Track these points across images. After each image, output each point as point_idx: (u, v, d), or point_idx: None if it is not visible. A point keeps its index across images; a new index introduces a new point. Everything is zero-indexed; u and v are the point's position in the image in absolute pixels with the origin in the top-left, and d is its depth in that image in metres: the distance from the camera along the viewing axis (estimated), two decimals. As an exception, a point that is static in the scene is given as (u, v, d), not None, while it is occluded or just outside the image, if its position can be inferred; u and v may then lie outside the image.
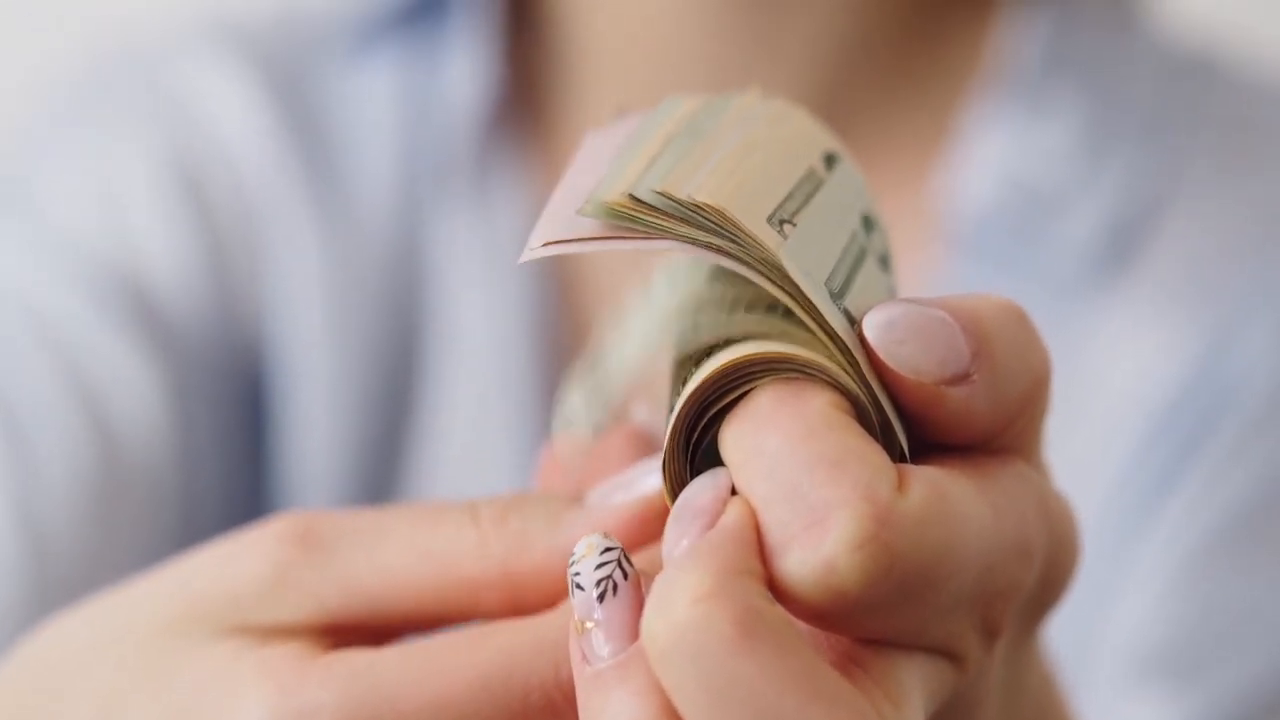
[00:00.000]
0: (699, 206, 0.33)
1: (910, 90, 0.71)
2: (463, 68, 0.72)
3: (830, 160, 0.38)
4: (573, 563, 0.33)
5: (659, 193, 0.33)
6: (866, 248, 0.37)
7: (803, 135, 0.39)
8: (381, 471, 0.70)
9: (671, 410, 0.34)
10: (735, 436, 0.33)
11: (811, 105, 0.70)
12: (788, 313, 0.33)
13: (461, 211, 0.71)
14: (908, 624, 0.32)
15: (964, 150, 0.70)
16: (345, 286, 0.70)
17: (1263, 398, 0.65)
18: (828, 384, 0.33)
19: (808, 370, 0.33)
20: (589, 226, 0.33)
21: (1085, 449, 0.66)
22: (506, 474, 0.69)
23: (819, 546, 0.31)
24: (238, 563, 0.38)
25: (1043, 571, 0.35)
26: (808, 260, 0.33)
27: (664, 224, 0.33)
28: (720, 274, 0.36)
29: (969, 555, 0.32)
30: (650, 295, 0.38)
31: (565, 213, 0.34)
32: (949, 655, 0.33)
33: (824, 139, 0.39)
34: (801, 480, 0.31)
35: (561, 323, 0.71)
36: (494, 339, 0.70)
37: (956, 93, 0.72)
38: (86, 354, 0.68)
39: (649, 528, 0.36)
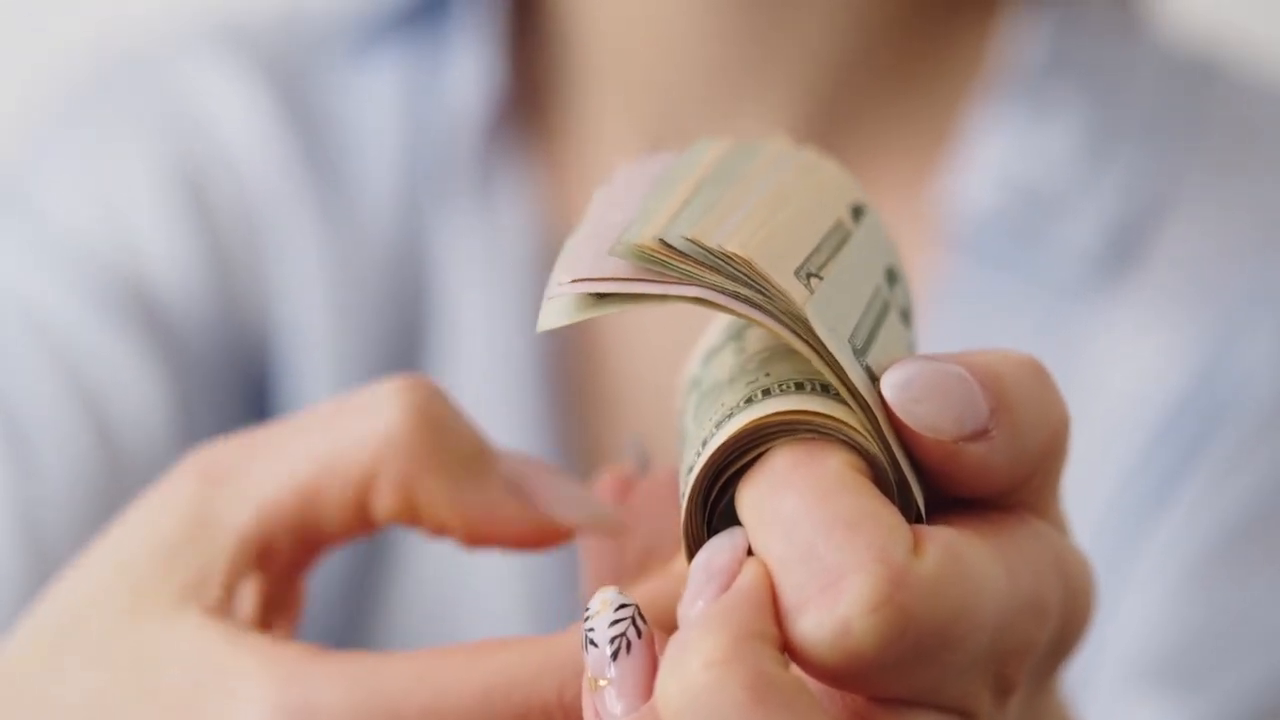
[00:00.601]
0: (729, 256, 0.33)
1: (912, 92, 0.71)
2: (465, 69, 0.72)
3: (858, 212, 0.38)
4: (586, 618, 0.33)
5: (690, 239, 0.33)
6: (890, 302, 0.37)
7: (832, 185, 0.39)
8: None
9: (690, 470, 0.34)
10: (752, 498, 0.33)
11: (814, 107, 0.71)
12: (808, 371, 0.34)
13: (464, 213, 0.71)
14: (922, 684, 0.32)
15: (966, 152, 0.70)
16: (347, 287, 0.70)
17: (1265, 403, 0.65)
18: (844, 443, 0.33)
19: (824, 431, 0.33)
20: (616, 267, 0.33)
21: (1086, 451, 0.65)
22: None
23: (834, 609, 0.31)
24: (156, 522, 0.38)
25: (1058, 628, 0.35)
26: (832, 315, 0.33)
27: (692, 270, 0.33)
28: (747, 324, 0.37)
29: (984, 617, 0.32)
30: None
31: (591, 250, 0.34)
32: (961, 714, 0.34)
33: (852, 189, 0.39)
34: (817, 542, 0.31)
35: None
36: (496, 340, 0.70)
37: (958, 95, 0.72)
38: (88, 356, 0.68)
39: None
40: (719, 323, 0.38)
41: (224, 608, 0.38)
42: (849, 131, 0.71)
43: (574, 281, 0.33)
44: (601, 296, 0.33)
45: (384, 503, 0.38)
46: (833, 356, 0.33)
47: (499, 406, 0.69)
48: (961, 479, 0.34)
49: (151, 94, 0.74)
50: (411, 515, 0.38)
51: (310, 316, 0.70)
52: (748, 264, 0.33)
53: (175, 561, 0.38)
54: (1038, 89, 0.70)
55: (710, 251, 0.33)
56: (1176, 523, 0.64)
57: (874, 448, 0.33)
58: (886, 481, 0.33)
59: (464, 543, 0.39)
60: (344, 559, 0.69)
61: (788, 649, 0.32)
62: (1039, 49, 0.70)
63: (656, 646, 0.33)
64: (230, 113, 0.72)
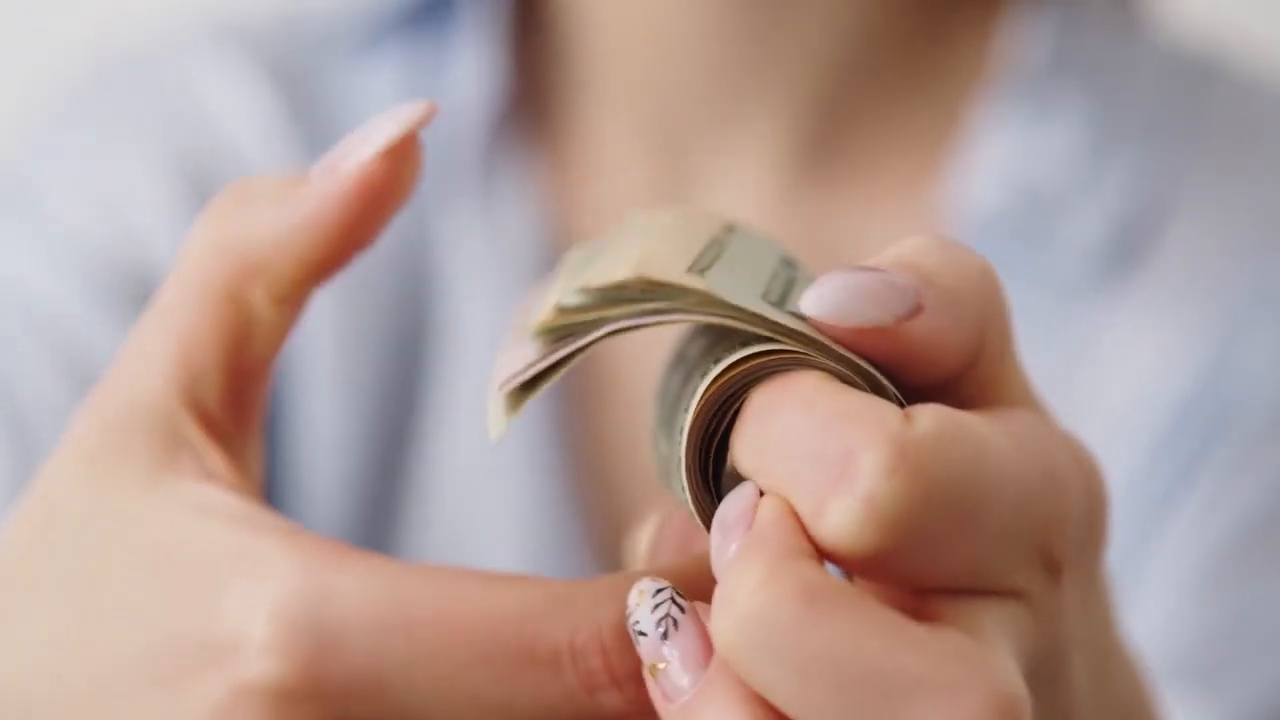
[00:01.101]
0: (620, 284, 0.34)
1: (913, 92, 0.72)
2: (468, 68, 0.72)
3: (729, 229, 0.39)
4: (630, 614, 0.34)
5: (580, 289, 0.34)
6: (795, 278, 0.38)
7: (699, 216, 0.40)
8: (387, 472, 0.70)
9: (679, 462, 0.35)
10: (743, 443, 0.33)
11: (815, 107, 0.71)
12: (744, 343, 0.34)
13: (467, 212, 0.71)
14: (961, 561, 0.32)
15: (968, 153, 0.70)
16: (350, 287, 0.70)
17: (1270, 403, 0.65)
18: (809, 366, 0.34)
19: (784, 366, 0.34)
20: (530, 354, 0.35)
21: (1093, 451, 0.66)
22: (513, 476, 0.69)
23: (853, 489, 0.31)
24: (87, 404, 0.39)
25: (1085, 504, 0.35)
26: (735, 288, 0.34)
27: (597, 316, 0.34)
28: (692, 335, 0.38)
29: (1000, 478, 0.32)
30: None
31: (514, 353, 0.36)
32: (1015, 594, 0.34)
33: (719, 218, 0.40)
34: (815, 444, 0.32)
35: None
36: (499, 339, 0.70)
37: (960, 94, 0.72)
38: (91, 350, 0.68)
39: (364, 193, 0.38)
40: (662, 370, 0.39)
41: (202, 472, 0.38)
42: (850, 131, 0.71)
43: (500, 387, 0.35)
44: (531, 382, 0.35)
45: (256, 296, 0.39)
46: (752, 312, 0.34)
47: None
48: (922, 361, 0.34)
49: (153, 92, 0.74)
50: (276, 287, 0.39)
51: (312, 316, 0.70)
52: (641, 279, 0.33)
53: (123, 442, 0.38)
54: (1040, 89, 0.70)
55: (603, 289, 0.34)
56: (1186, 524, 0.64)
57: (832, 364, 0.34)
58: (863, 381, 0.34)
59: (324, 266, 0.39)
60: (356, 485, 0.70)
61: (825, 557, 0.32)
62: (1041, 49, 0.71)
63: (702, 618, 0.33)
64: (232, 111, 0.73)
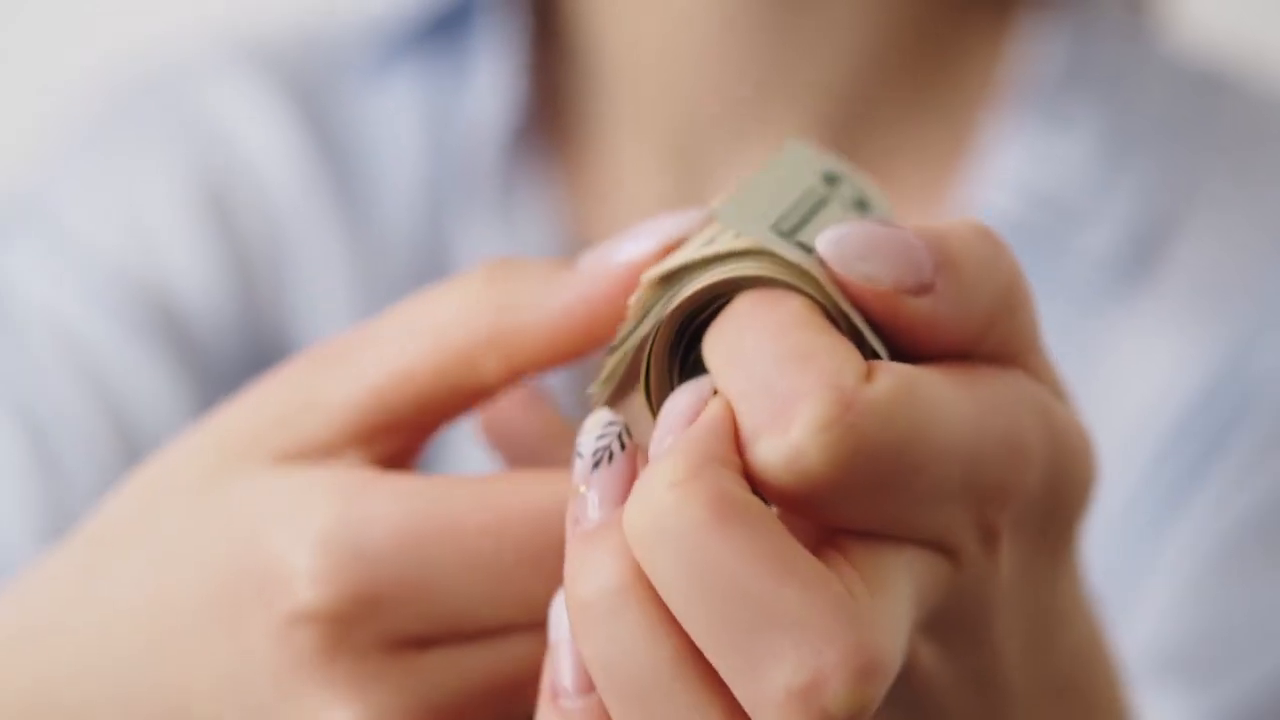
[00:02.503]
0: (660, 278, 0.35)
1: (928, 102, 0.72)
2: (486, 82, 0.73)
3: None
4: (579, 434, 0.35)
5: (612, 347, 0.36)
6: (828, 196, 0.38)
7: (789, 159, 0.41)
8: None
9: (647, 338, 0.36)
10: (714, 339, 0.34)
11: (831, 118, 0.71)
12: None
13: (486, 225, 0.72)
14: (888, 513, 0.33)
15: (983, 162, 0.70)
16: (369, 301, 0.71)
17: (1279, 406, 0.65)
18: (801, 293, 0.34)
19: (781, 286, 0.35)
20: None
21: (1107, 457, 0.66)
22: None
23: (785, 433, 0.32)
24: (267, 396, 0.40)
25: (1047, 478, 0.36)
26: (743, 218, 0.35)
27: (639, 336, 0.36)
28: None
29: (945, 443, 0.33)
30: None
31: None
32: (941, 550, 0.34)
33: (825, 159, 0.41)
34: (771, 373, 0.33)
35: None
36: None
37: (974, 104, 0.72)
38: (113, 369, 0.69)
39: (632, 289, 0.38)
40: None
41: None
42: (864, 143, 0.71)
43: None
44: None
45: (490, 364, 0.39)
46: (756, 243, 0.35)
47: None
48: (910, 333, 0.35)
49: (173, 111, 0.74)
50: (514, 360, 0.39)
51: (332, 330, 0.71)
52: (652, 281, 0.35)
53: (275, 432, 0.39)
54: (1053, 99, 0.70)
55: (649, 282, 0.36)
56: (1195, 522, 0.64)
57: (822, 298, 0.34)
58: (841, 329, 0.35)
59: (570, 353, 0.39)
60: None
61: (748, 479, 0.32)
62: (1054, 59, 0.71)
63: (638, 462, 0.34)
64: (252, 128, 0.73)
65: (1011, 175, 0.69)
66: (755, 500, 0.32)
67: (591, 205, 0.73)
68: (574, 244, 0.72)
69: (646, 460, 0.34)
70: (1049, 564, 0.38)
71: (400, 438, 0.39)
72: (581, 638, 0.33)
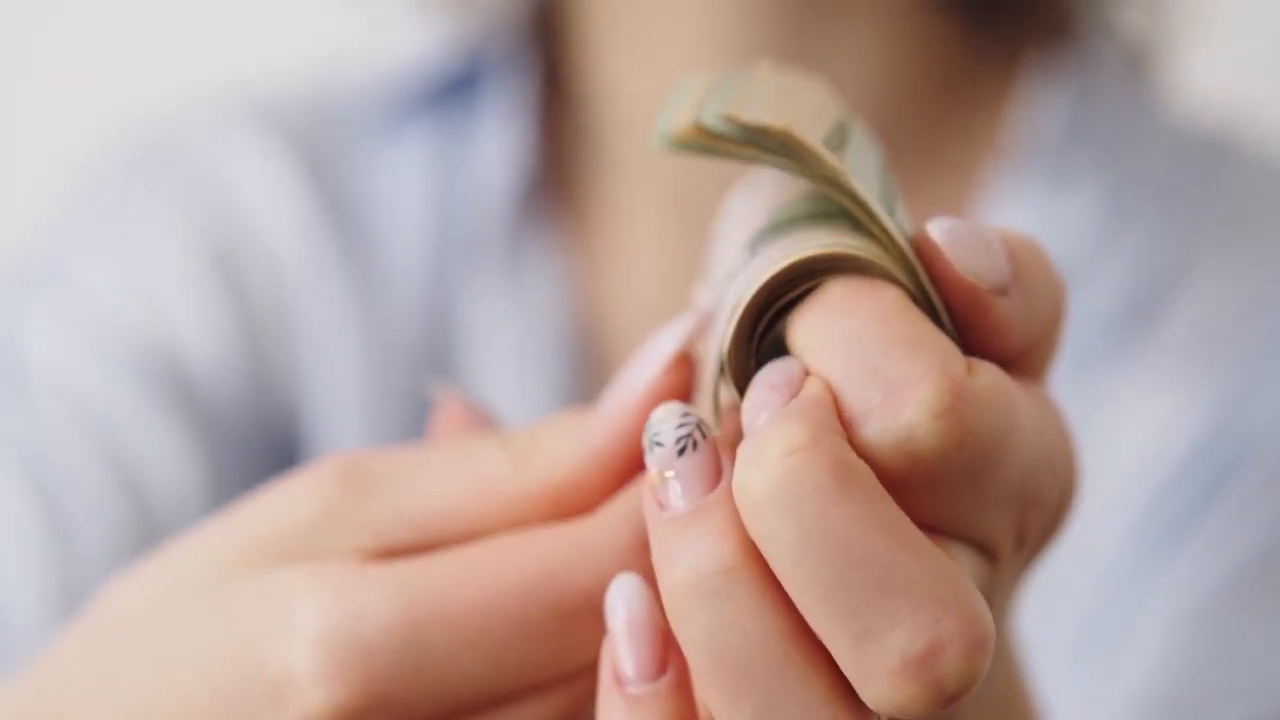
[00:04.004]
0: (764, 129, 0.34)
1: (932, 158, 0.72)
2: (494, 145, 0.73)
3: (850, 115, 0.40)
4: (650, 426, 0.35)
5: (725, 117, 0.34)
6: (895, 189, 0.38)
7: (824, 92, 0.41)
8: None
9: (735, 308, 0.35)
10: (809, 323, 0.34)
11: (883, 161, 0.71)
12: (849, 228, 0.35)
13: (494, 288, 0.72)
14: (963, 508, 0.34)
15: (985, 221, 0.71)
16: (378, 364, 0.71)
17: (1274, 457, 0.65)
18: (892, 281, 0.35)
19: (870, 271, 0.35)
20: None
21: (1102, 503, 0.66)
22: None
23: (898, 416, 0.32)
24: (289, 502, 0.39)
25: (1059, 496, 0.37)
26: (861, 181, 0.35)
27: (731, 149, 0.35)
28: (798, 201, 0.38)
29: (1021, 447, 0.34)
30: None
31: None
32: (986, 550, 0.35)
33: (838, 102, 0.41)
34: (879, 358, 0.33)
35: (595, 398, 0.71)
36: (527, 415, 0.70)
37: (977, 163, 0.73)
38: (122, 431, 0.69)
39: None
40: (730, 246, 0.40)
41: None
42: None
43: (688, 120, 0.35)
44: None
45: (529, 512, 0.39)
46: (871, 209, 0.34)
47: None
48: (987, 332, 0.35)
49: (182, 177, 0.74)
50: (557, 517, 0.39)
51: (341, 392, 0.71)
52: (784, 133, 0.34)
53: (296, 544, 0.39)
54: (1056, 160, 0.71)
55: (746, 126, 0.34)
56: (1187, 568, 0.64)
57: (913, 288, 0.35)
58: (931, 319, 0.35)
59: (606, 494, 0.39)
60: (415, 366, 0.71)
61: None
62: (1057, 120, 0.72)
63: (720, 452, 0.34)
64: (261, 192, 0.73)
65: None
66: (869, 470, 0.32)
67: (601, 268, 0.73)
68: (583, 307, 0.72)
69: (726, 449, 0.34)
70: (1026, 577, 0.39)
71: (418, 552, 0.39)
72: (682, 621, 0.33)
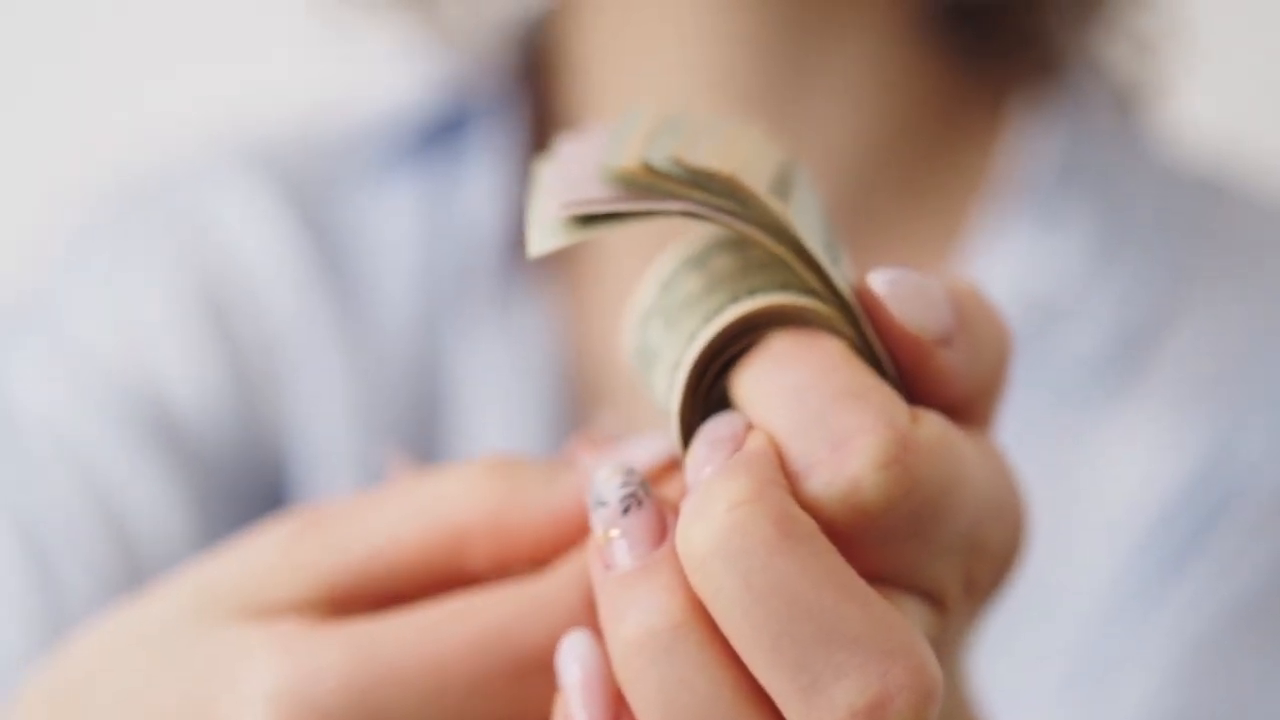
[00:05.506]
0: (712, 173, 0.34)
1: (922, 195, 0.72)
2: (483, 187, 0.73)
3: (793, 163, 0.40)
4: (594, 486, 0.35)
5: (673, 159, 0.34)
6: (838, 239, 0.38)
7: (765, 139, 0.41)
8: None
9: (677, 366, 0.35)
10: (754, 375, 0.35)
11: (826, 207, 0.71)
12: (788, 281, 0.35)
13: (483, 331, 0.72)
14: (910, 558, 0.34)
15: (975, 261, 0.71)
16: (367, 407, 0.71)
17: (1267, 495, 0.65)
18: (835, 333, 0.35)
19: (815, 323, 0.35)
20: (601, 190, 0.35)
21: (1091, 550, 0.66)
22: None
23: (843, 467, 0.32)
24: (247, 551, 0.39)
25: (1007, 544, 0.36)
26: (805, 229, 0.35)
27: (676, 189, 0.34)
28: (722, 248, 0.38)
29: (968, 495, 0.34)
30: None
31: (572, 179, 0.35)
32: (935, 600, 0.35)
33: (779, 149, 0.41)
34: (824, 410, 0.33)
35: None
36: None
37: (967, 201, 0.73)
38: (110, 477, 0.69)
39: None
40: (669, 254, 0.39)
41: None
42: (858, 239, 0.72)
43: (565, 205, 0.34)
44: (589, 219, 0.34)
45: (479, 553, 0.39)
46: (816, 259, 0.34)
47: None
48: (930, 382, 0.35)
49: (172, 217, 0.74)
50: (504, 552, 0.39)
51: (330, 436, 0.71)
52: (730, 179, 0.34)
53: (250, 594, 0.39)
54: (1046, 199, 0.71)
55: (693, 169, 0.34)
56: (1178, 609, 0.64)
57: (857, 339, 0.35)
58: (875, 369, 0.35)
59: (559, 551, 0.39)
60: (404, 409, 0.70)
61: None
62: (1047, 158, 0.71)
63: (664, 511, 0.34)
64: (250, 234, 0.73)
65: (1003, 276, 0.70)
66: (813, 523, 0.32)
67: (590, 310, 0.73)
68: (571, 350, 0.72)
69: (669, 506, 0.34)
70: (976, 624, 0.39)
71: (367, 606, 0.39)
72: (631, 678, 0.33)
